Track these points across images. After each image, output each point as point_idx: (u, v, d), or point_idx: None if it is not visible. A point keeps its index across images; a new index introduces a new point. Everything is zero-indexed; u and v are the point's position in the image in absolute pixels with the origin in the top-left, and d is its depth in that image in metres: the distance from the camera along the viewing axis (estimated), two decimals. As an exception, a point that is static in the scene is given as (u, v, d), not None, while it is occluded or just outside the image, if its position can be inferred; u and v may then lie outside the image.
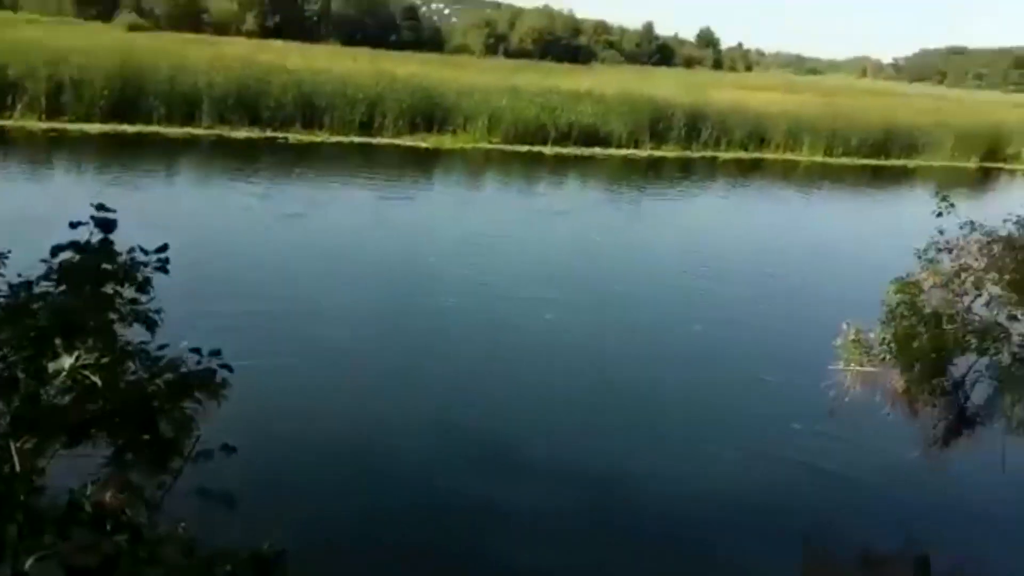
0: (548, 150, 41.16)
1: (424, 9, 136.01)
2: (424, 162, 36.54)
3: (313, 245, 20.95)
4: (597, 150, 42.58)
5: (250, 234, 21.65)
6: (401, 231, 23.29)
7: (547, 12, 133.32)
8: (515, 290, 18.52)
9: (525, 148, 40.81)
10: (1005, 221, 9.64)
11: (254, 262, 18.88)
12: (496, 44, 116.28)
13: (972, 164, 51.17)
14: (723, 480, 10.88)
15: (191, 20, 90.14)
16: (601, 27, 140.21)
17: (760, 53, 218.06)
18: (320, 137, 37.77)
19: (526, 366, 14.33)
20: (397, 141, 38.92)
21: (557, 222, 27.04)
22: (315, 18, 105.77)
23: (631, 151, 43.48)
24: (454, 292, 17.72)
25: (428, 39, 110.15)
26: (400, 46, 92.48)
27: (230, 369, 4.34)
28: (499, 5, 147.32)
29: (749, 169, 43.41)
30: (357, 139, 38.40)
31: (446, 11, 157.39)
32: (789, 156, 47.39)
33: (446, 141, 40.01)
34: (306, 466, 10.32)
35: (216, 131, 35.89)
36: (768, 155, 47.21)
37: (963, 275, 9.65)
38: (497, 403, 12.77)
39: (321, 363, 13.49)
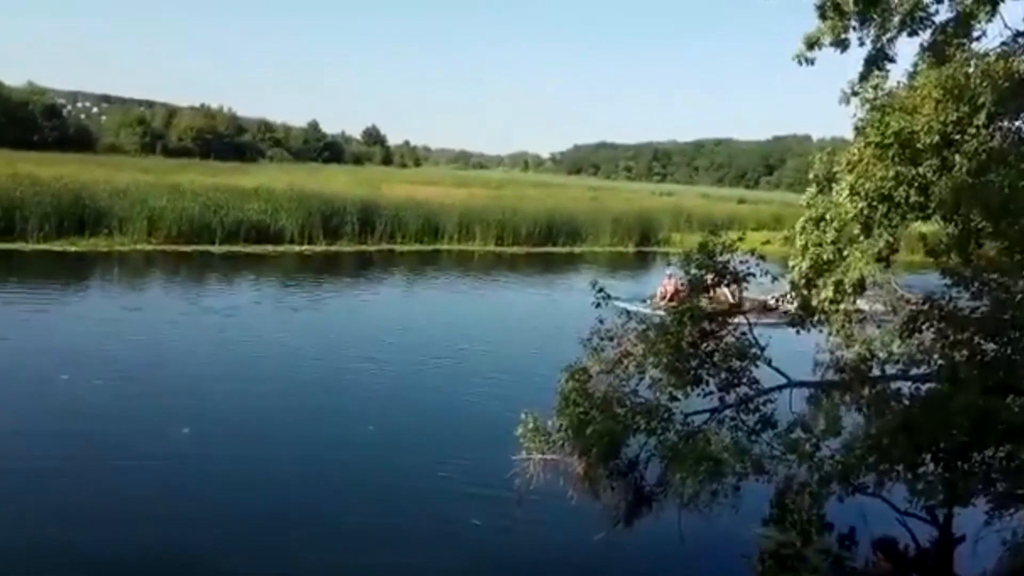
0: (216, 249, 39.56)
1: (69, 108, 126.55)
2: (75, 267, 33.70)
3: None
4: (269, 247, 41.54)
5: None
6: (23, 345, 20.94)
7: (205, 111, 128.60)
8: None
9: (191, 248, 38.92)
10: (656, 309, 10.15)
11: None
12: (153, 143, 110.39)
13: (630, 248, 55.76)
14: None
15: None
16: (264, 125, 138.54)
17: (427, 149, 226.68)
18: None
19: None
20: (44, 246, 35.71)
21: (230, 321, 25.65)
22: None
23: (305, 247, 42.89)
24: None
25: (76, 139, 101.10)
26: (44, 147, 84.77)
27: None
28: (152, 103, 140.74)
29: (427, 261, 44.20)
30: None
31: (94, 110, 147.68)
32: (463, 247, 48.96)
33: (100, 244, 37.31)
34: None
35: None
36: (443, 246, 48.52)
37: (625, 361, 9.94)
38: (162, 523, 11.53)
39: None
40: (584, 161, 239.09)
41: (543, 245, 51.94)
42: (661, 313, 28.15)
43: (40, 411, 15.82)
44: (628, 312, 10.21)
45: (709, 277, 10.14)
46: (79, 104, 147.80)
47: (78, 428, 14.94)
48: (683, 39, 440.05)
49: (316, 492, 13.24)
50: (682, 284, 32.25)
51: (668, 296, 28.72)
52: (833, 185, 11.16)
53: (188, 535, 11.44)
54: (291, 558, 11.18)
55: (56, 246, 36.08)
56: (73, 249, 36.12)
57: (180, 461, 13.92)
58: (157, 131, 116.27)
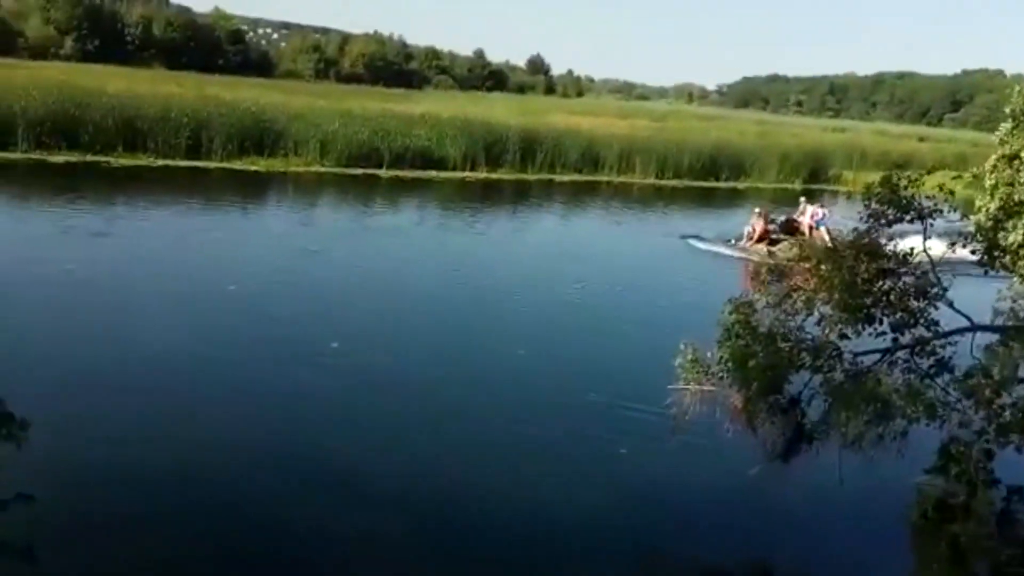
0: (384, 173, 40.70)
1: (251, 34, 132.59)
2: (255, 185, 35.58)
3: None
4: (433, 173, 42.36)
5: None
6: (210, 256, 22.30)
7: (377, 38, 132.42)
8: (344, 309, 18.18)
9: (360, 171, 40.23)
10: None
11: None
12: (327, 69, 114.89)
13: (797, 185, 53.51)
14: (569, 500, 10.71)
15: (6, 44, 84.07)
16: (432, 53, 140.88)
17: (590, 79, 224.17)
18: (145, 160, 36.17)
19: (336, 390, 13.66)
20: (227, 165, 37.73)
21: (391, 241, 26.54)
22: (136, 42, 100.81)
23: (467, 174, 43.48)
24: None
25: (256, 63, 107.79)
26: (227, 70, 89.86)
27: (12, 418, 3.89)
28: (327, 30, 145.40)
29: (585, 191, 44.04)
30: (184, 163, 36.89)
31: (274, 36, 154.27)
32: (623, 179, 48.44)
33: (277, 164, 39.04)
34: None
35: (34, 156, 34.02)
36: (602, 177, 48.16)
37: (794, 295, 9.69)
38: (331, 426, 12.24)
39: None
40: (752, 94, 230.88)
41: (705, 179, 50.62)
42: (747, 256, 26.58)
43: (215, 316, 16.97)
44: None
45: (891, 212, 9.66)
46: (260, 31, 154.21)
47: (239, 336, 15.89)
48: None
49: (461, 413, 13.27)
50: (774, 222, 29.53)
51: (757, 236, 27.56)
52: (1033, 121, 10.38)
53: (335, 438, 11.91)
54: (435, 465, 11.37)
55: (237, 165, 38.05)
56: (253, 168, 38.03)
57: (329, 372, 14.31)
58: (331, 57, 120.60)
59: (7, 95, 35.47)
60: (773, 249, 26.94)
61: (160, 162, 36.41)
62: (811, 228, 28.61)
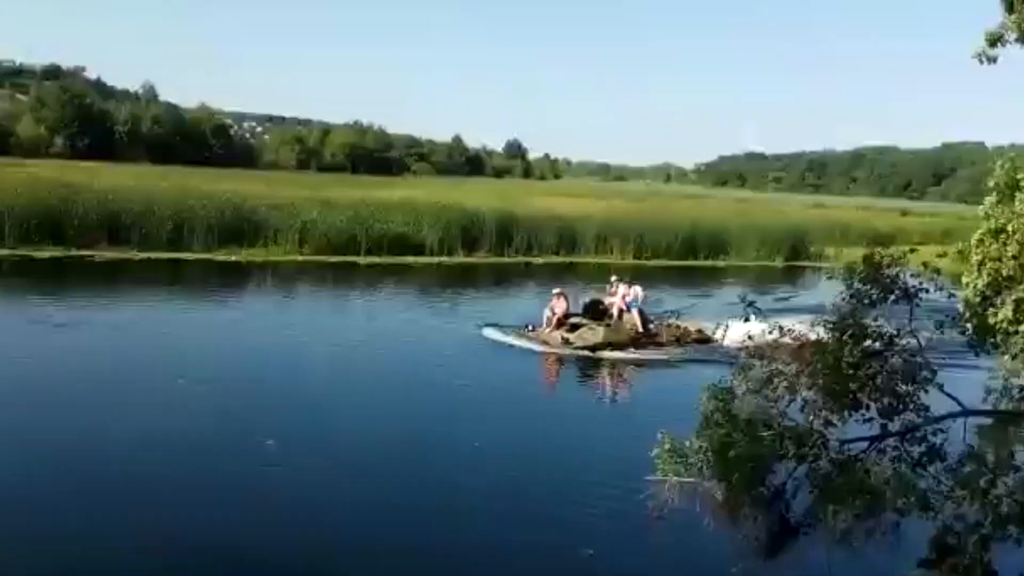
0: (362, 260, 40.85)
1: (236, 128, 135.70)
2: (232, 276, 35.85)
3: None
4: (410, 259, 42.46)
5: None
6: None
7: (357, 128, 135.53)
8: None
9: (338, 259, 40.44)
10: (814, 325, 9.29)
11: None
12: (308, 159, 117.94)
13: (778, 263, 53.68)
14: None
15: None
16: (411, 141, 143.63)
17: (568, 162, 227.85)
18: (128, 254, 36.88)
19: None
20: (207, 256, 38.28)
21: (364, 328, 26.33)
22: (125, 139, 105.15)
23: (443, 258, 43.61)
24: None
25: (240, 156, 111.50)
26: (213, 163, 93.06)
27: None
28: (309, 122, 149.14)
29: (562, 274, 43.60)
30: (165, 255, 37.44)
31: (258, 128, 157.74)
32: (601, 260, 48.20)
33: (256, 254, 39.41)
34: None
35: (20, 252, 34.74)
36: (579, 259, 48.20)
37: (775, 380, 9.17)
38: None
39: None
40: (730, 172, 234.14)
41: (684, 258, 50.59)
42: (533, 347, 23.71)
43: (152, 410, 16.11)
44: (780, 328, 9.32)
45: (874, 292, 9.20)
46: (246, 124, 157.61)
47: (181, 430, 15.03)
48: (841, 38, 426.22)
49: (417, 515, 12.58)
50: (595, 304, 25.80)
51: (557, 320, 24.66)
52: (1016, 194, 10.04)
53: (266, 543, 11.26)
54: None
55: (217, 256, 38.61)
56: (232, 259, 38.52)
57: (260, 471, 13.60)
58: (313, 148, 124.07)
59: (-3, 193, 35.91)
60: (569, 336, 24.22)
61: (142, 255, 36.94)
62: (621, 311, 25.48)
